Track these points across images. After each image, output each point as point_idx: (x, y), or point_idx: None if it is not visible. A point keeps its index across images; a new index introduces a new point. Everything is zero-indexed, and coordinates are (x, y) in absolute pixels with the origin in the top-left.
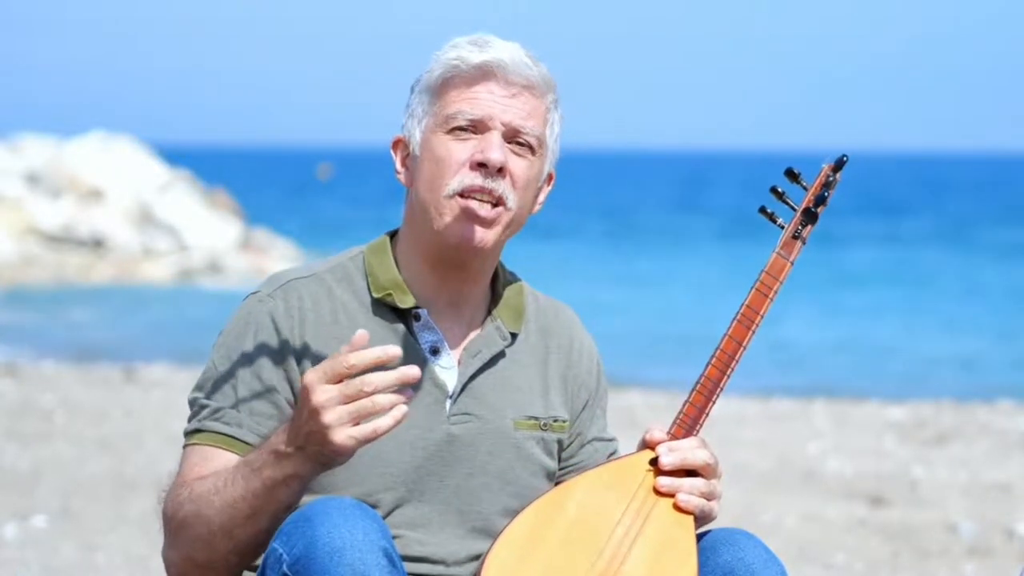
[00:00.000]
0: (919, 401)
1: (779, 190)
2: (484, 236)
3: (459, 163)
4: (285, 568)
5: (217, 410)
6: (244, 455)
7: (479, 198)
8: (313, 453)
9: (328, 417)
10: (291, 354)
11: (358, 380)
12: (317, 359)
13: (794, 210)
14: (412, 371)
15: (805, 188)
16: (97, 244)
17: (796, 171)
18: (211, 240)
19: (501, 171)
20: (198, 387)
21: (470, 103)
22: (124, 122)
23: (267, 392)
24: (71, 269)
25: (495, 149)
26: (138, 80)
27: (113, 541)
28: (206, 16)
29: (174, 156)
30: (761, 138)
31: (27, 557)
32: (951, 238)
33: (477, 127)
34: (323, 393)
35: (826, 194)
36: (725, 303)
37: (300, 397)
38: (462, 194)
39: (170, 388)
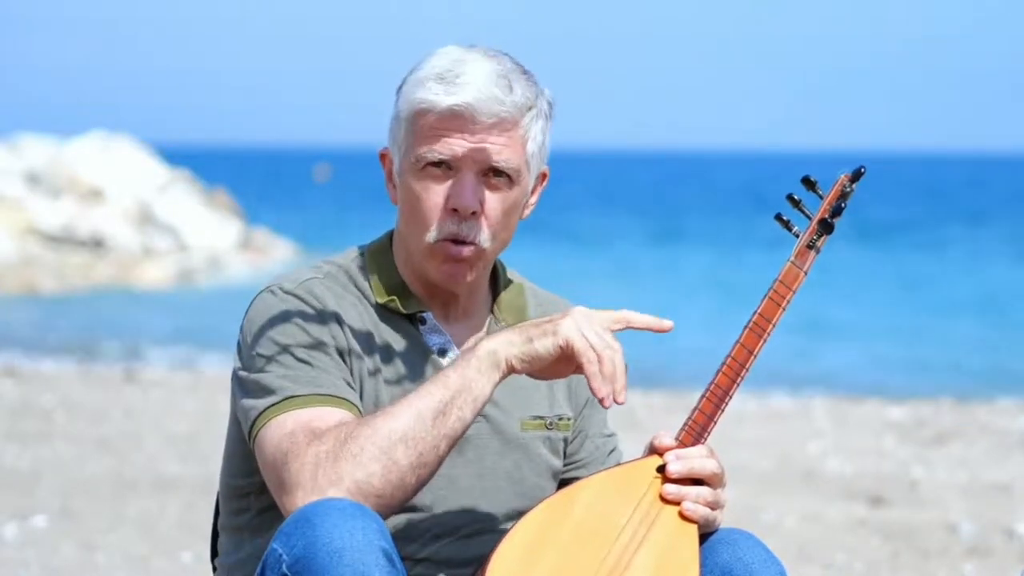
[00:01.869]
0: (919, 401)
1: (795, 198)
2: (466, 274)
3: (435, 207)
4: (285, 569)
5: (297, 378)
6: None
7: (455, 240)
8: (528, 327)
9: (579, 315)
10: (339, 328)
11: (614, 340)
12: (352, 349)
13: (809, 219)
14: (666, 323)
15: (821, 197)
16: (97, 244)
17: (813, 179)
18: (211, 240)
19: (474, 215)
20: (254, 370)
21: (441, 145)
22: (124, 122)
23: (332, 360)
24: (71, 269)
25: (467, 195)
26: (138, 80)
27: (113, 541)
28: (206, 16)
29: (174, 156)
30: (760, 138)
31: (27, 557)
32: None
33: (450, 164)
34: (592, 313)
35: (842, 204)
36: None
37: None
38: (441, 240)
39: (170, 388)
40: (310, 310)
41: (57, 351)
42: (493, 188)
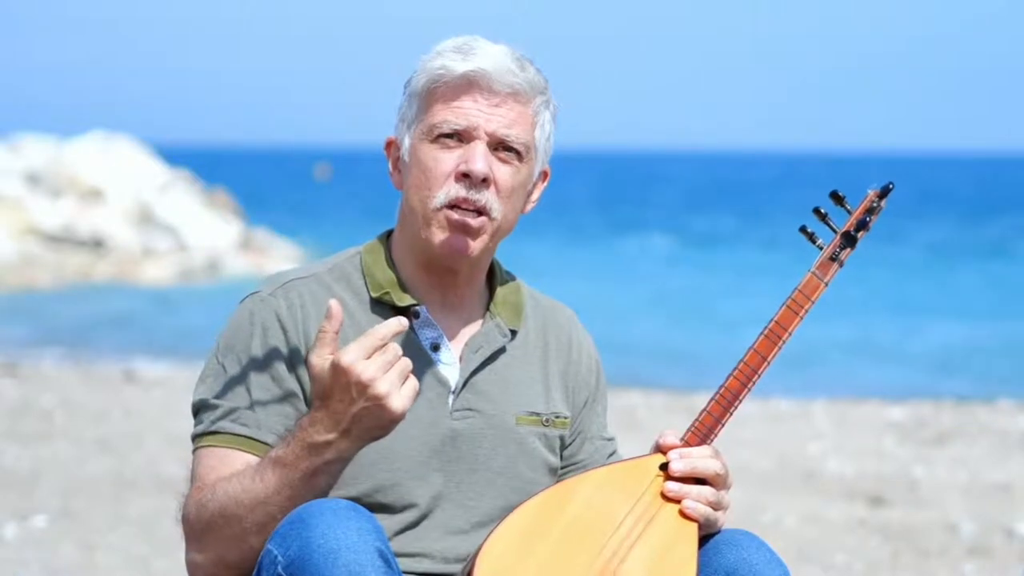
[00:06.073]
0: (919, 401)
1: (822, 211)
2: (471, 245)
3: (444, 174)
4: (280, 570)
5: (232, 411)
6: (264, 455)
7: (464, 207)
8: (363, 431)
9: (383, 387)
10: (300, 354)
11: (390, 347)
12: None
13: (835, 232)
14: (403, 321)
15: (849, 211)
16: (97, 244)
17: (841, 194)
18: (211, 240)
19: (485, 181)
20: (205, 388)
21: (454, 113)
22: (124, 122)
23: (282, 393)
24: (71, 269)
25: (478, 160)
26: (138, 80)
27: (113, 541)
28: (206, 16)
29: (174, 156)
30: (760, 138)
31: (27, 557)
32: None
33: (462, 136)
34: (369, 366)
35: (868, 219)
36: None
37: (332, 381)
38: (449, 205)
39: (170, 388)
40: (280, 327)
41: (57, 351)
42: (503, 161)
